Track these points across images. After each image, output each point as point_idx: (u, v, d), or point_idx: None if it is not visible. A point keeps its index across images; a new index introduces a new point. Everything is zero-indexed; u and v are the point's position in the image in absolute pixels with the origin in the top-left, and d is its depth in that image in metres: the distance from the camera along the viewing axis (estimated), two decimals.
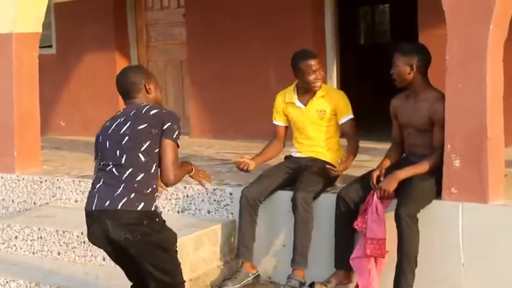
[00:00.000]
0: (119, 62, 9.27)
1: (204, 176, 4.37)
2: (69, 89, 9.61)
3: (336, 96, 5.48)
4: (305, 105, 5.46)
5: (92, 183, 4.11)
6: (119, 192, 3.94)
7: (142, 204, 3.94)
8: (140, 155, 3.97)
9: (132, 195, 3.93)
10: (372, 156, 5.68)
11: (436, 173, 4.83)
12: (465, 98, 4.70)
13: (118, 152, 4.02)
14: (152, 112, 4.04)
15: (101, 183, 4.04)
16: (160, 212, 4.11)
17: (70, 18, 9.45)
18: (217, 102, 8.58)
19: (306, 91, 5.46)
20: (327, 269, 5.08)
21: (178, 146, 4.04)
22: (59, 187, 6.52)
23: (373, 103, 8.78)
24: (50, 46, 9.58)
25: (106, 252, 4.16)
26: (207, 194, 5.74)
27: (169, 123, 4.00)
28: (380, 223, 4.71)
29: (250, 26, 8.26)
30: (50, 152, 8.07)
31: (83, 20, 9.34)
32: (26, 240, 5.97)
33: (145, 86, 4.19)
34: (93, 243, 4.15)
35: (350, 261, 4.83)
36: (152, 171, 4.00)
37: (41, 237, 5.89)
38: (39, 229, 5.90)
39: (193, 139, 8.47)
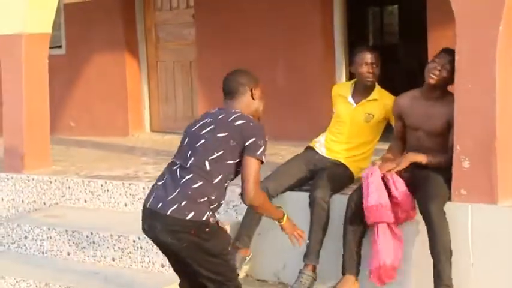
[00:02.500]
0: (128, 63, 9.31)
1: (298, 234, 4.20)
2: (78, 89, 9.63)
3: (389, 103, 5.36)
4: (356, 104, 5.41)
5: (157, 178, 4.07)
6: (172, 197, 3.86)
7: (193, 213, 3.84)
8: (207, 162, 3.88)
9: (184, 202, 3.84)
10: (380, 157, 5.67)
11: (447, 174, 4.83)
12: (474, 99, 4.69)
13: (189, 153, 3.95)
14: (238, 122, 3.93)
15: (163, 181, 3.98)
16: (217, 220, 3.98)
17: (79, 19, 9.48)
18: None
19: (361, 90, 5.39)
20: (335, 270, 5.08)
21: (262, 163, 3.92)
22: (69, 187, 6.53)
23: None
24: (60, 46, 9.61)
25: (157, 246, 4.11)
26: None
27: (253, 139, 3.89)
28: (382, 190, 4.74)
29: (259, 25, 8.26)
30: (60, 152, 8.09)
31: (93, 21, 9.37)
32: (36, 240, 5.99)
33: (251, 90, 4.12)
34: (146, 235, 4.09)
35: (371, 275, 4.81)
36: (215, 181, 3.89)
37: (51, 237, 5.91)
38: (48, 229, 5.93)
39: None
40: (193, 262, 3.94)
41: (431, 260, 4.67)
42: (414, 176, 4.91)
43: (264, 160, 3.93)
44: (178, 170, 3.95)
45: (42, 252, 5.96)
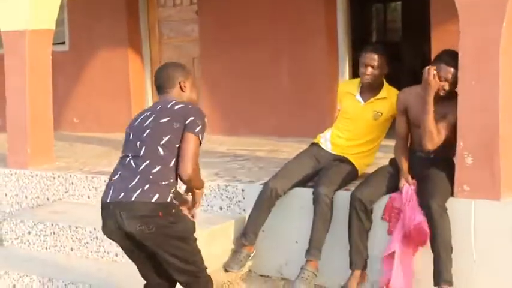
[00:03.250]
0: (132, 59, 9.32)
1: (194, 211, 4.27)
2: (82, 86, 9.64)
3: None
4: (364, 102, 5.40)
5: (110, 176, 4.09)
6: (133, 183, 3.91)
7: (157, 195, 3.89)
8: (159, 148, 3.95)
9: (147, 186, 3.89)
10: (384, 153, 5.67)
11: (449, 170, 4.83)
12: (478, 95, 4.69)
13: (138, 143, 4.01)
14: (177, 107, 4.03)
15: (118, 175, 4.02)
16: (177, 203, 4.04)
17: (83, 15, 9.49)
18: (229, 99, 8.60)
19: (369, 88, 5.38)
20: (338, 266, 5.09)
21: (200, 142, 4.01)
22: (72, 183, 6.55)
23: None
24: (63, 43, 9.62)
25: (121, 246, 4.11)
26: (219, 190, 5.76)
27: (192, 117, 3.98)
28: (418, 212, 4.72)
29: (263, 23, 8.27)
30: (63, 148, 8.11)
31: (96, 17, 9.38)
32: (39, 236, 6.01)
33: (180, 83, 4.19)
34: (108, 237, 4.10)
35: (383, 259, 4.81)
36: (171, 165, 3.96)
37: (54, 233, 5.92)
38: (52, 225, 5.94)
39: (205, 136, 8.47)
40: (162, 251, 3.94)
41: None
42: (417, 173, 4.92)
43: (201, 139, 4.01)
44: (132, 161, 4.00)
45: (46, 248, 5.98)
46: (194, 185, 4.16)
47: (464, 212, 4.75)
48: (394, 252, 4.75)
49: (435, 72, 4.78)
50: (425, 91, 4.80)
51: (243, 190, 5.68)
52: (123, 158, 4.09)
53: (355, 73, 8.23)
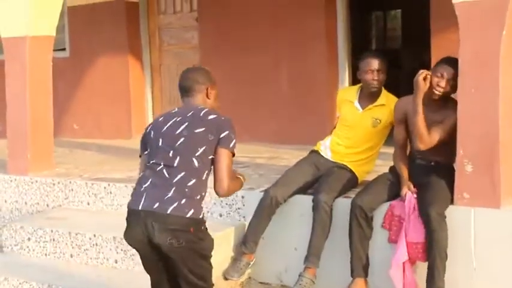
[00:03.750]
0: (132, 66, 9.33)
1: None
2: (82, 92, 9.66)
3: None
4: (363, 109, 5.41)
5: (139, 181, 3.98)
6: (169, 195, 3.82)
7: (192, 211, 3.83)
8: (194, 159, 3.87)
9: (183, 200, 3.82)
10: (383, 161, 5.67)
11: (449, 177, 4.84)
12: (478, 102, 4.70)
13: (171, 152, 3.90)
14: (210, 117, 3.96)
15: (149, 183, 3.90)
16: (206, 219, 4.00)
17: (83, 22, 9.51)
18: (230, 106, 8.57)
19: (368, 95, 5.39)
20: (339, 274, 5.09)
21: (233, 155, 3.96)
22: (72, 189, 6.55)
23: None
24: (64, 49, 9.64)
25: (140, 254, 4.00)
26: (219, 197, 5.75)
27: (227, 132, 3.92)
28: (420, 227, 4.72)
29: (263, 29, 8.28)
30: (63, 154, 8.11)
31: (96, 24, 9.40)
32: (39, 242, 6.00)
33: (207, 89, 4.14)
34: (128, 243, 3.98)
35: (390, 274, 4.78)
36: (203, 178, 3.91)
37: (54, 239, 5.92)
38: (51, 231, 5.94)
39: None
40: (183, 265, 3.88)
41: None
42: (417, 180, 4.93)
43: (234, 153, 3.97)
44: (164, 170, 3.90)
45: (45, 254, 5.97)
46: (231, 194, 4.13)
47: (464, 219, 4.75)
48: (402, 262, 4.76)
49: (427, 75, 4.80)
50: (414, 92, 4.82)
51: (242, 197, 5.68)
52: (153, 164, 3.95)
53: (354, 80, 8.25)
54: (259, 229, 5.34)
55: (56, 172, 7.00)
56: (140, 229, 3.84)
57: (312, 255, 5.12)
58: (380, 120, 5.36)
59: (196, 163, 3.87)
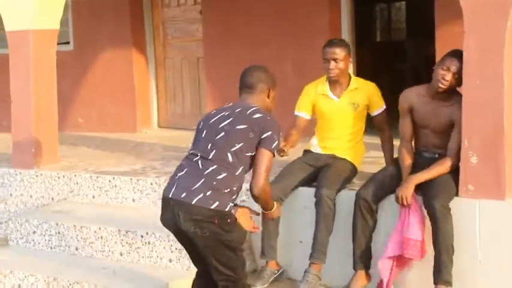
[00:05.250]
0: (136, 59, 9.33)
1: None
2: (86, 86, 9.66)
3: (369, 89, 5.43)
4: (338, 97, 5.41)
5: (176, 169, 4.13)
6: (197, 186, 3.95)
7: (217, 203, 3.93)
8: (229, 154, 3.98)
9: (209, 192, 3.93)
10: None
11: (454, 170, 4.82)
12: (482, 95, 4.69)
13: (209, 145, 4.03)
14: (256, 116, 4.04)
15: (183, 172, 4.05)
16: (234, 212, 4.07)
17: (87, 15, 9.50)
18: (234, 99, 8.58)
19: (337, 83, 5.40)
20: (343, 267, 5.09)
21: (274, 156, 4.04)
22: (77, 183, 6.56)
23: (388, 100, 8.78)
24: (68, 43, 9.63)
25: (176, 238, 4.19)
26: None
27: (269, 132, 4.00)
28: (421, 224, 4.72)
29: (267, 23, 8.27)
30: (68, 148, 8.12)
31: (100, 17, 9.39)
32: (44, 235, 6.02)
33: (269, 90, 4.23)
34: (163, 225, 4.15)
35: (379, 262, 4.80)
36: (237, 173, 4.00)
37: (59, 233, 5.94)
38: (57, 224, 5.95)
39: None
40: (209, 253, 4.00)
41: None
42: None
43: (275, 154, 4.05)
44: (200, 161, 4.02)
45: (51, 247, 5.99)
46: (262, 202, 4.19)
47: (469, 212, 4.74)
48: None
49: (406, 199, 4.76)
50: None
51: (247, 190, 5.66)
52: (191, 155, 4.10)
53: (359, 72, 8.24)
54: (268, 231, 5.29)
55: (60, 166, 7.01)
56: (169, 216, 4.02)
57: (317, 251, 5.10)
58: (358, 104, 5.38)
59: (230, 158, 3.97)
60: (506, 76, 4.62)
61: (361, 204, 4.91)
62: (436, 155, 4.98)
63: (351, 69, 7.97)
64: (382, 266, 4.80)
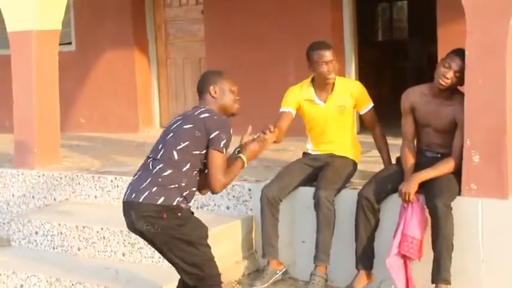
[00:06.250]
0: (138, 59, 9.33)
1: (265, 141, 4.37)
2: (88, 86, 9.66)
3: (354, 88, 5.40)
4: (324, 102, 5.38)
5: (134, 174, 4.28)
6: (144, 185, 4.09)
7: (163, 198, 4.05)
8: (174, 152, 4.10)
9: (154, 189, 4.06)
10: (391, 152, 5.65)
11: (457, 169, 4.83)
12: (484, 93, 4.68)
13: (160, 146, 4.19)
14: (203, 115, 4.16)
15: (137, 175, 4.21)
16: (188, 207, 4.18)
17: (89, 16, 9.51)
18: None
19: (322, 86, 5.36)
20: (346, 266, 5.08)
21: (225, 153, 4.12)
22: (79, 183, 6.56)
23: (390, 99, 8.78)
24: (70, 43, 9.64)
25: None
26: (225, 189, 5.74)
27: (217, 132, 4.09)
28: (421, 224, 4.71)
29: (269, 22, 8.27)
30: (70, 148, 8.12)
31: (102, 17, 9.39)
32: (46, 236, 6.02)
33: (209, 89, 4.29)
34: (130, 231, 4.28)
35: (387, 263, 4.78)
36: (183, 170, 4.09)
37: (61, 233, 5.93)
38: (59, 225, 5.95)
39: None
40: (168, 251, 4.10)
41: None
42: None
43: (225, 152, 4.12)
44: (150, 162, 4.18)
45: (53, 248, 5.99)
46: (233, 180, 4.23)
47: (472, 210, 4.74)
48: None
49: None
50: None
51: (249, 189, 5.68)
52: (146, 158, 4.26)
53: (361, 71, 8.24)
54: (268, 230, 5.27)
55: (62, 166, 7.01)
56: (127, 219, 4.17)
57: (321, 253, 5.09)
58: (345, 106, 5.35)
59: (176, 155, 4.10)
60: (508, 75, 4.62)
61: (364, 203, 4.90)
62: (439, 155, 4.97)
63: (353, 69, 8.05)
64: (391, 264, 4.75)
